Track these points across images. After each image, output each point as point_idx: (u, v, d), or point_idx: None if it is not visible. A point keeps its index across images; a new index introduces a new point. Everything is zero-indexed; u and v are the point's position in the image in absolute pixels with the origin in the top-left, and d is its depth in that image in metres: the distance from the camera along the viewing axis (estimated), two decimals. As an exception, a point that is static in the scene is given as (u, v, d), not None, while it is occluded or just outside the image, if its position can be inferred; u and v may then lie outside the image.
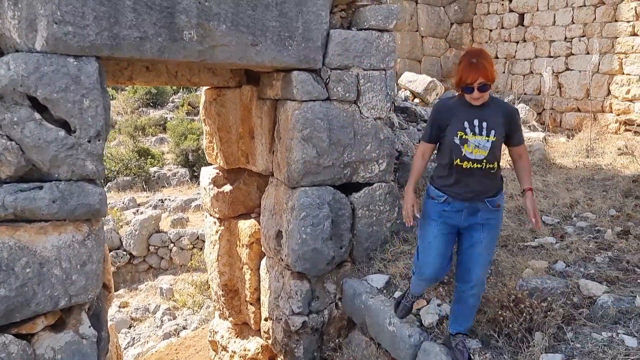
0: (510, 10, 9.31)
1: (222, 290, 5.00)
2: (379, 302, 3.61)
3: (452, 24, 9.87)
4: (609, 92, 7.80)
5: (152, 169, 14.30)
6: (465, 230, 2.84)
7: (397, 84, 7.81)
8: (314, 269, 3.95)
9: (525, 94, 8.74)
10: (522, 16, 9.15)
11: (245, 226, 4.71)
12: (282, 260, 4.11)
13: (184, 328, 8.35)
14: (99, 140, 3.01)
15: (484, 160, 2.70)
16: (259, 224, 4.54)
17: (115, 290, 9.92)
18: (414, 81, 7.62)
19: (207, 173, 4.97)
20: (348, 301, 3.98)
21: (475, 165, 2.70)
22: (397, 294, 3.66)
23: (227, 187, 4.79)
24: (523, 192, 2.86)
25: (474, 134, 2.67)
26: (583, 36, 8.11)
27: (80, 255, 3.02)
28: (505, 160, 4.69)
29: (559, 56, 8.49)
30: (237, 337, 5.10)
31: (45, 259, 2.91)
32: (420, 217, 2.96)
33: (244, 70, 4.40)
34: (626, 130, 7.41)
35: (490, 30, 9.72)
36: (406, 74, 7.94)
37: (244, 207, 4.86)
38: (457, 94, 2.85)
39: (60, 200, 2.91)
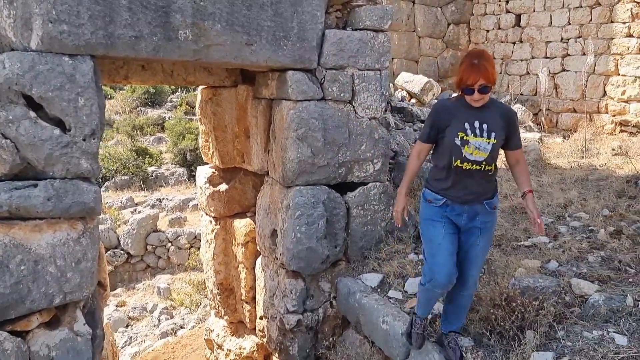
0: (507, 11, 9.34)
1: (218, 289, 5.01)
2: (373, 300, 3.63)
3: (449, 24, 9.90)
4: (604, 93, 7.83)
5: (150, 169, 14.31)
6: (462, 233, 2.82)
7: (393, 84, 7.83)
8: (308, 268, 3.97)
9: (521, 94, 8.77)
10: (518, 17, 9.18)
11: (241, 225, 4.73)
12: (277, 259, 4.13)
13: (181, 327, 8.37)
14: (93, 139, 3.03)
15: (483, 162, 2.69)
16: (255, 223, 4.55)
17: (113, 290, 9.94)
18: (411, 81, 7.64)
19: (203, 172, 4.99)
20: (342, 300, 4.00)
21: (474, 166, 2.69)
22: (392, 293, 3.68)
23: (223, 186, 4.81)
24: (523, 194, 2.81)
25: (475, 135, 2.65)
26: (579, 37, 8.14)
27: (75, 253, 3.04)
28: (500, 160, 4.72)
29: (555, 57, 8.52)
30: (232, 335, 5.12)
31: (40, 257, 2.93)
32: (422, 222, 2.90)
33: (240, 69, 4.42)
34: (622, 131, 7.43)
35: (487, 31, 9.75)
36: (403, 74, 7.96)
37: (240, 206, 4.88)
38: (455, 94, 2.83)
39: (55, 198, 2.92)
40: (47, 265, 2.95)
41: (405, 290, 3.70)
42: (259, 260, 4.62)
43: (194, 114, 17.62)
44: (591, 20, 7.98)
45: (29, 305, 2.92)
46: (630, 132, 7.25)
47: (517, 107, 7.60)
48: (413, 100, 7.71)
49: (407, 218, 3.06)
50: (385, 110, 6.52)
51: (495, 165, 2.77)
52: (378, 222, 4.26)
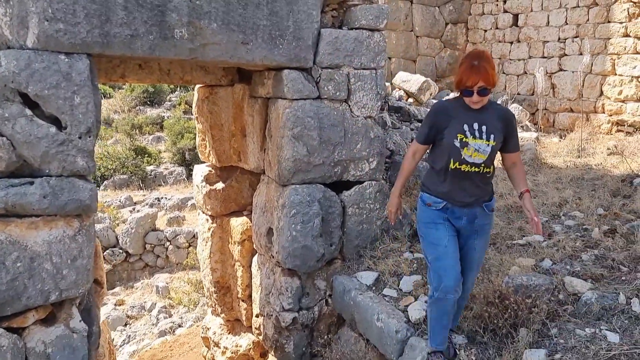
0: (505, 11, 9.36)
1: (215, 287, 5.03)
2: (368, 298, 3.65)
3: (447, 24, 9.91)
4: (601, 93, 7.85)
5: (149, 168, 14.32)
6: (460, 236, 2.80)
7: (391, 84, 7.85)
8: (304, 266, 3.99)
9: (519, 94, 8.79)
10: (516, 17, 9.20)
11: (237, 223, 4.75)
12: (273, 257, 4.14)
13: (180, 326, 8.39)
14: (89, 137, 3.04)
15: (482, 164, 2.67)
16: (251, 222, 4.57)
17: (112, 288, 9.96)
18: (408, 81, 7.66)
19: (200, 171, 5.01)
20: (338, 298, 4.02)
21: (473, 169, 2.67)
22: (386, 291, 3.70)
23: (220, 185, 4.83)
24: (521, 194, 2.78)
25: (474, 137, 2.63)
26: (576, 37, 8.16)
27: (70, 250, 3.06)
28: (495, 161, 4.74)
29: (553, 57, 8.54)
30: (229, 333, 5.14)
31: (36, 254, 2.95)
32: (422, 226, 2.84)
33: (236, 68, 4.44)
34: (618, 130, 7.46)
35: (485, 31, 9.77)
36: (400, 73, 7.98)
37: (236, 205, 4.90)
38: (453, 94, 2.82)
39: (51, 196, 2.94)
40: (43, 262, 2.97)
41: (400, 288, 3.72)
42: (255, 258, 4.64)
43: (192, 113, 17.61)
44: (588, 20, 8.00)
45: (25, 302, 2.94)
46: (627, 132, 7.27)
47: (514, 107, 7.63)
48: (410, 100, 7.73)
49: (401, 217, 3.08)
50: (383, 109, 6.57)
51: (494, 168, 2.76)
52: (374, 220, 4.27)
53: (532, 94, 8.74)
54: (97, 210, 3.36)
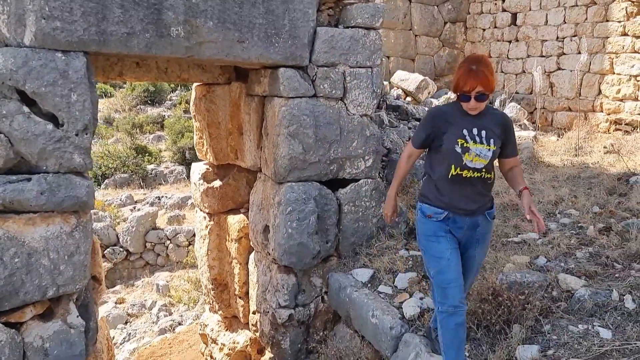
0: (503, 10, 9.37)
1: (212, 284, 5.06)
2: (363, 295, 3.68)
3: (445, 23, 9.93)
4: (599, 92, 7.86)
5: (150, 167, 14.36)
6: (461, 245, 2.74)
7: (389, 83, 7.87)
8: (299, 263, 4.02)
9: (517, 93, 8.80)
10: (514, 16, 9.22)
11: (235, 221, 4.78)
12: (269, 254, 4.17)
13: (180, 324, 8.42)
14: (86, 134, 3.07)
15: (483, 169, 2.61)
16: (248, 219, 4.60)
17: (112, 287, 10.00)
18: (406, 80, 7.68)
19: (197, 169, 5.03)
20: (334, 295, 4.04)
21: (475, 174, 2.60)
22: (382, 288, 3.73)
23: (217, 183, 4.86)
24: (520, 192, 2.71)
25: (474, 142, 2.57)
26: (575, 36, 8.17)
27: (68, 246, 3.09)
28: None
29: (551, 56, 8.55)
30: (226, 330, 5.17)
31: (33, 250, 2.98)
32: (423, 240, 2.75)
33: (233, 67, 4.46)
34: (616, 129, 7.47)
35: (484, 30, 9.78)
36: (398, 72, 8.00)
37: (234, 203, 4.93)
38: (450, 93, 2.76)
39: (48, 192, 2.97)
40: (40, 258, 3.00)
41: (395, 285, 3.74)
42: (252, 255, 4.67)
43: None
44: (587, 19, 8.01)
45: (22, 297, 2.97)
46: (625, 131, 7.29)
47: (512, 106, 7.64)
48: (409, 99, 7.75)
49: (396, 219, 3.07)
50: (380, 107, 6.59)
51: (494, 174, 2.71)
52: (369, 218, 4.30)
53: (531, 93, 8.76)
54: (94, 207, 3.39)
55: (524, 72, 9.01)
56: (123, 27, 3.11)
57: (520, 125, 7.31)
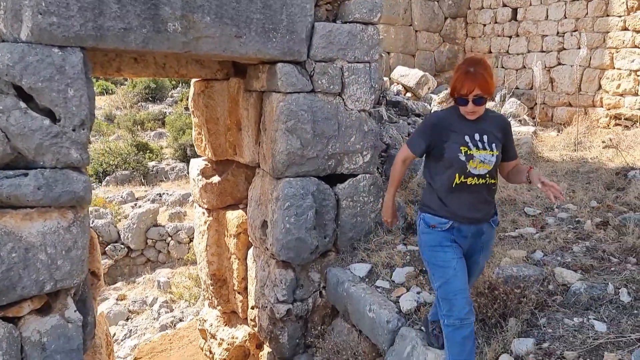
0: (504, 5, 9.34)
1: (211, 280, 5.08)
2: (361, 290, 3.69)
3: (446, 18, 9.90)
4: (600, 87, 7.84)
5: (151, 164, 14.39)
6: (464, 253, 2.67)
7: (389, 78, 7.87)
8: (297, 258, 4.03)
9: (517, 88, 8.78)
10: (515, 11, 9.19)
11: (233, 217, 4.79)
12: (268, 249, 4.18)
13: (181, 320, 8.45)
14: (83, 129, 3.08)
15: (487, 175, 2.54)
16: (247, 215, 4.61)
17: (113, 283, 10.04)
18: (406, 75, 7.67)
19: (196, 164, 5.05)
20: (331, 289, 4.05)
21: (480, 181, 2.53)
22: (379, 282, 3.74)
23: (216, 178, 4.87)
24: (527, 174, 2.53)
25: (478, 148, 2.49)
26: (575, 31, 8.14)
27: (65, 241, 3.10)
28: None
29: (551, 51, 8.53)
30: (225, 325, 5.19)
31: (30, 245, 2.99)
32: (427, 250, 2.66)
33: (232, 62, 4.46)
34: (616, 124, 7.45)
35: (484, 25, 9.75)
36: (398, 68, 8.00)
37: (232, 198, 4.94)
38: (449, 89, 2.67)
39: (45, 187, 2.98)
40: (37, 253, 3.01)
41: (392, 279, 3.75)
42: (250, 251, 4.68)
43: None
44: (587, 13, 7.98)
45: (20, 291, 2.98)
46: (625, 126, 7.27)
47: (512, 101, 7.63)
48: (409, 94, 7.74)
49: (397, 223, 3.05)
50: (380, 103, 6.59)
51: (497, 178, 2.65)
52: (367, 213, 4.30)
53: (531, 88, 8.74)
54: (91, 202, 3.40)
55: (524, 67, 8.99)
56: (120, 22, 3.12)
57: (520, 120, 7.30)
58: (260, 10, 3.58)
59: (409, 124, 6.61)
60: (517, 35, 9.13)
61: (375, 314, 3.41)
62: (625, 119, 7.34)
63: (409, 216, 4.48)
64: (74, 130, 3.04)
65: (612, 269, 3.30)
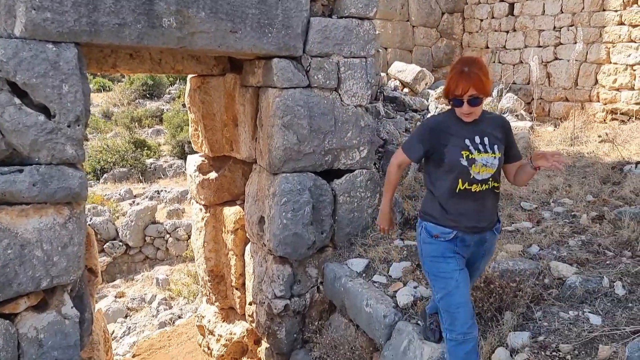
0: (501, 0, 9.33)
1: (209, 276, 5.08)
2: (358, 284, 3.70)
3: (443, 13, 9.88)
4: (596, 81, 7.84)
5: (149, 161, 14.36)
6: (466, 260, 2.60)
7: (387, 74, 7.86)
8: (295, 253, 4.03)
9: (514, 83, 8.78)
10: (512, 6, 9.18)
11: (230, 213, 4.79)
12: (265, 245, 4.18)
13: (179, 317, 8.46)
14: (78, 125, 3.08)
15: (490, 179, 2.44)
16: (244, 211, 4.61)
17: (112, 281, 10.03)
18: (404, 71, 7.67)
19: (193, 161, 5.04)
20: (329, 285, 4.06)
21: (484, 186, 2.43)
22: (376, 277, 3.74)
23: (213, 175, 4.86)
24: (531, 163, 2.46)
25: (479, 152, 2.40)
26: (572, 26, 8.13)
27: (61, 237, 3.10)
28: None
29: (548, 46, 8.52)
30: (223, 321, 5.19)
31: (26, 241, 2.99)
32: (429, 261, 2.57)
33: (228, 58, 4.46)
34: (613, 119, 7.46)
35: (481, 20, 9.74)
36: (396, 63, 7.99)
37: (229, 194, 4.94)
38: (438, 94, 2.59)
39: (41, 184, 2.98)
40: (33, 250, 3.01)
41: (389, 274, 3.76)
42: (248, 247, 4.68)
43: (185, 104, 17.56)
44: (584, 8, 7.98)
45: (16, 288, 2.99)
46: (621, 120, 7.28)
47: (509, 96, 7.63)
48: (406, 90, 7.75)
49: (393, 229, 3.02)
50: (377, 99, 6.59)
51: (500, 182, 2.54)
52: (364, 208, 4.31)
53: (528, 83, 8.74)
54: (87, 198, 3.40)
55: (521, 62, 8.98)
56: (114, 17, 3.11)
57: (517, 115, 7.30)
58: (255, 5, 3.58)
59: (406, 119, 6.62)
60: (514, 30, 9.13)
61: (372, 308, 3.42)
62: (622, 113, 7.35)
63: (406, 211, 4.49)
64: (69, 126, 3.04)
65: (607, 262, 3.32)
